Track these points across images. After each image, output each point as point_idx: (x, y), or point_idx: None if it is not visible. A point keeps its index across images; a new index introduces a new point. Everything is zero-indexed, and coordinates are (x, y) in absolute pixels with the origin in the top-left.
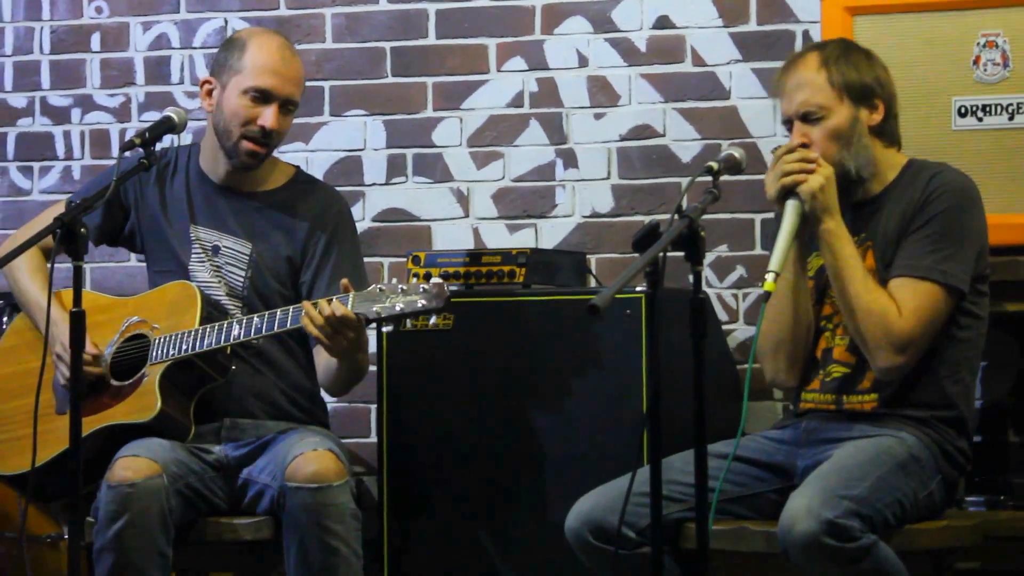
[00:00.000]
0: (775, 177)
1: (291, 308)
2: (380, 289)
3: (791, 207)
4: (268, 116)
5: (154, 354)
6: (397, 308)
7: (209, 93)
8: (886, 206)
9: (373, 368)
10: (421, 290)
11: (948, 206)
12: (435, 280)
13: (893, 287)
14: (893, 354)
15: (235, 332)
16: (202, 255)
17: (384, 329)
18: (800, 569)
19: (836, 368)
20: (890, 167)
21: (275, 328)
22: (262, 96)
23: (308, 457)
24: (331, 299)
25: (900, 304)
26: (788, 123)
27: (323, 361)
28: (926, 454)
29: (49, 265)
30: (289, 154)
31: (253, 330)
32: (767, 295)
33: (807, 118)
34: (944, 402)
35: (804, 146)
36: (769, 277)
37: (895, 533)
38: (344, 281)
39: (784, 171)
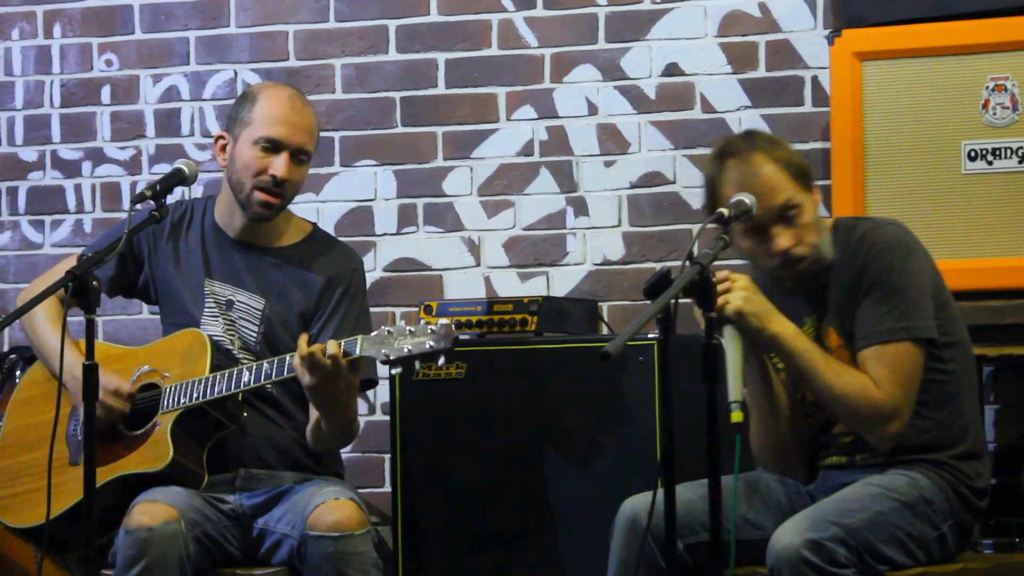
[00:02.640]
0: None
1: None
2: (388, 332)
3: (728, 334)
4: (279, 165)
5: (165, 403)
6: (405, 350)
7: (223, 148)
8: (830, 277)
9: (385, 417)
10: (429, 331)
11: (887, 263)
12: (442, 322)
13: (863, 359)
14: (885, 426)
15: (245, 379)
16: (215, 309)
17: (393, 371)
18: None
19: (844, 437)
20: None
21: (284, 373)
22: (272, 146)
23: (330, 506)
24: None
25: (874, 376)
26: (751, 224)
27: (312, 418)
28: (939, 497)
29: (65, 316)
30: (301, 205)
31: (263, 375)
32: (738, 426)
33: (785, 218)
34: (953, 439)
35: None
36: (733, 408)
37: (906, 574)
38: (332, 343)
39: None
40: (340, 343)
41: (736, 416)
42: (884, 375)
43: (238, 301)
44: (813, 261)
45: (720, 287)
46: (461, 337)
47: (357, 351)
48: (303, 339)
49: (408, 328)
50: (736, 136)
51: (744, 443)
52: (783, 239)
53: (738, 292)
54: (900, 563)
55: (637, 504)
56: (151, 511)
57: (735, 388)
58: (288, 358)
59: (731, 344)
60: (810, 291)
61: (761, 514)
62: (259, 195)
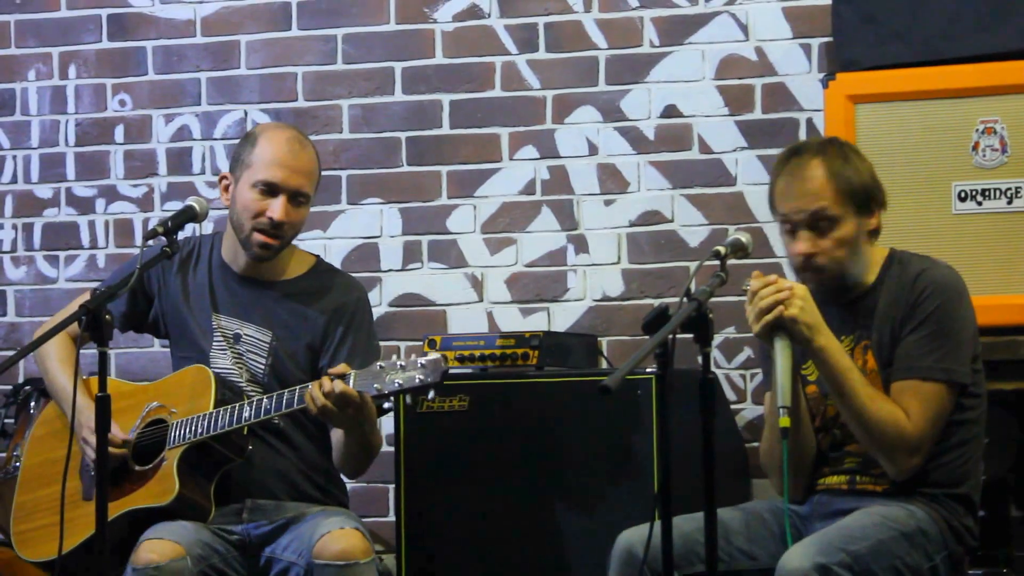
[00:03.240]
0: (756, 316)
1: (297, 388)
2: (380, 367)
3: (779, 344)
4: (276, 208)
5: (172, 438)
6: (396, 384)
7: (227, 188)
8: (878, 304)
9: (390, 448)
10: (419, 365)
11: (939, 303)
12: (431, 356)
13: (897, 391)
14: (907, 458)
15: (246, 414)
16: (223, 343)
17: (386, 406)
18: None
19: (851, 459)
20: (875, 261)
21: (283, 408)
22: (269, 189)
23: (335, 535)
24: (333, 377)
25: (907, 408)
26: (788, 223)
27: (336, 439)
28: (934, 529)
29: (77, 351)
30: (308, 241)
31: (263, 411)
32: (785, 431)
33: (816, 226)
34: (953, 480)
35: (813, 255)
36: (782, 413)
37: None
38: (342, 366)
39: (762, 308)
40: (333, 379)
41: (784, 421)
42: (917, 410)
43: (245, 335)
44: (836, 276)
45: (779, 295)
46: (464, 371)
47: (351, 385)
48: (316, 388)
49: (399, 363)
50: (816, 139)
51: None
52: (803, 244)
53: (796, 300)
54: None
55: (633, 536)
56: (158, 548)
57: (785, 394)
58: (286, 393)
59: (781, 351)
60: (853, 312)
61: (757, 544)
62: (258, 236)
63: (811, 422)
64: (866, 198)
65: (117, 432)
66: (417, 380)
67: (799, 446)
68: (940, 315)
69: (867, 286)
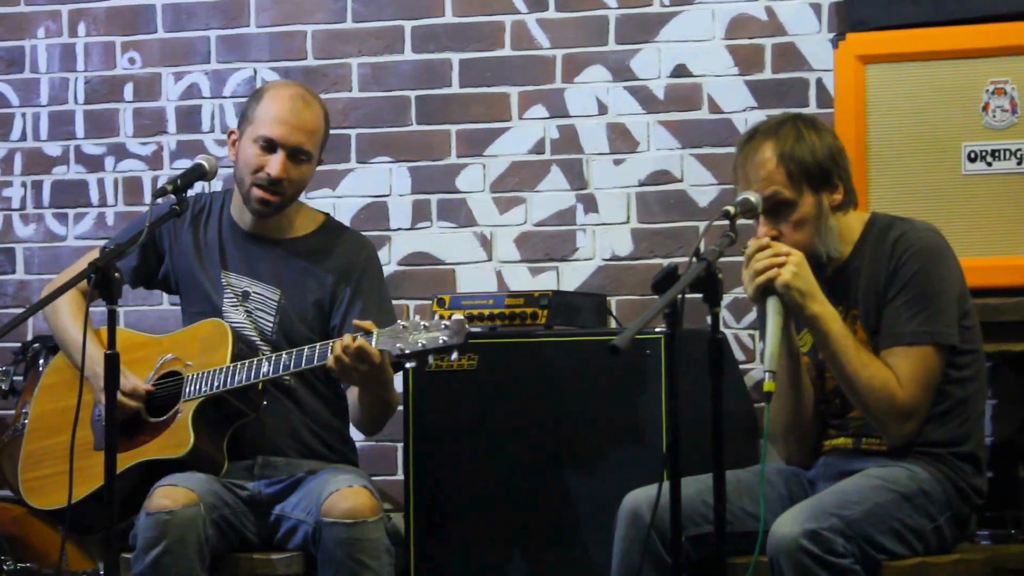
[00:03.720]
0: (750, 277)
1: (318, 345)
2: (403, 326)
3: (772, 305)
4: (274, 164)
5: (187, 391)
6: (419, 344)
7: (233, 144)
8: (860, 273)
9: (400, 408)
10: (443, 327)
11: (919, 266)
12: (456, 317)
13: (886, 357)
14: (900, 424)
15: (264, 369)
16: (235, 299)
17: (408, 365)
18: None
19: (856, 421)
20: (853, 229)
21: (303, 364)
22: (269, 145)
23: (344, 494)
24: (355, 336)
25: (897, 374)
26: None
27: (352, 398)
28: (938, 489)
29: (87, 305)
30: (317, 200)
31: (282, 367)
32: (769, 395)
33: (774, 211)
34: (957, 439)
35: (775, 238)
36: (767, 377)
37: (904, 564)
38: (368, 322)
39: (756, 270)
40: (355, 336)
41: (768, 385)
42: (907, 375)
43: (254, 292)
44: (806, 256)
45: (775, 259)
46: (473, 329)
47: (373, 344)
48: (338, 344)
49: (423, 323)
50: (775, 119)
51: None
52: (763, 228)
53: (791, 266)
54: (898, 553)
55: (639, 497)
56: (171, 495)
57: (772, 358)
58: (306, 350)
59: (773, 315)
60: (836, 284)
61: (758, 504)
62: (256, 192)
63: (812, 389)
64: (823, 174)
65: (137, 383)
66: (441, 341)
67: (800, 410)
68: (921, 278)
69: (846, 257)
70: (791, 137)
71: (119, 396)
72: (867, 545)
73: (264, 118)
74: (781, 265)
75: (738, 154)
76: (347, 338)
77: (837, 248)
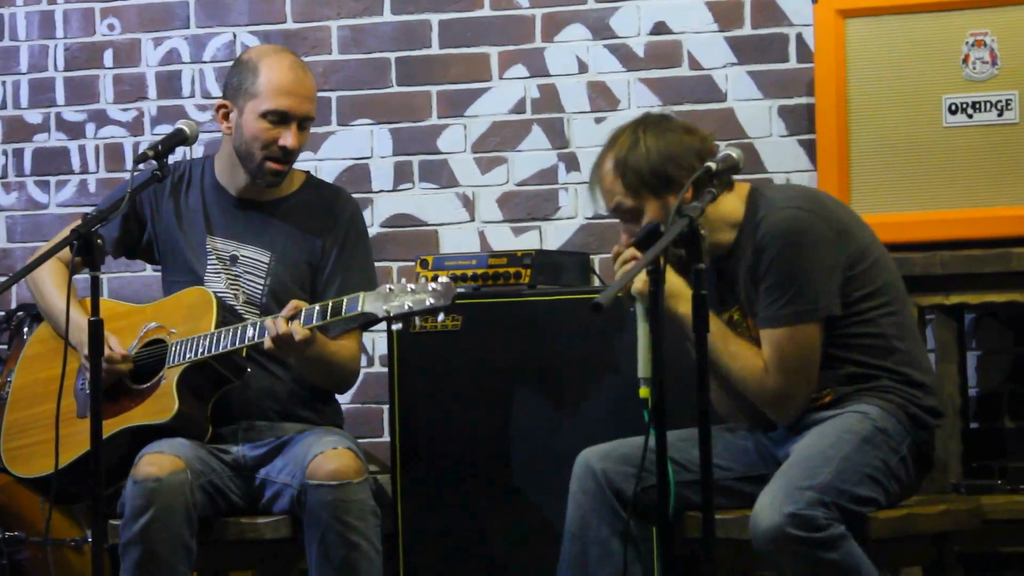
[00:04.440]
0: (614, 291)
1: (308, 306)
2: (389, 289)
3: (639, 312)
4: (289, 137)
5: (171, 358)
6: (406, 307)
7: (226, 116)
8: (739, 263)
9: (383, 369)
10: (430, 289)
11: (777, 252)
12: (443, 279)
13: (762, 341)
14: (778, 408)
15: (249, 334)
16: (218, 265)
17: (394, 327)
18: (773, 563)
19: None
20: (734, 211)
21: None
22: (280, 118)
23: (328, 455)
24: (279, 319)
25: (765, 359)
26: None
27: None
28: (891, 422)
29: (70, 274)
30: (299, 164)
31: (266, 332)
32: (645, 402)
33: (626, 219)
34: (898, 371)
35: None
36: (642, 384)
37: (890, 512)
38: (294, 302)
39: (616, 280)
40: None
41: (643, 392)
42: (773, 358)
43: (243, 256)
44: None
45: (625, 267)
46: (457, 290)
47: (359, 308)
48: (269, 323)
49: (409, 285)
50: (622, 126)
51: (659, 418)
52: (622, 236)
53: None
54: (876, 499)
55: (592, 452)
56: (158, 462)
57: (643, 364)
58: (250, 327)
59: (640, 323)
60: (727, 271)
61: (724, 457)
62: (270, 165)
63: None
64: (661, 179)
65: (117, 347)
66: (428, 303)
67: (736, 389)
68: (779, 263)
69: (728, 245)
70: (626, 145)
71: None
72: (847, 502)
73: (268, 91)
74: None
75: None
76: (279, 323)
77: (717, 236)
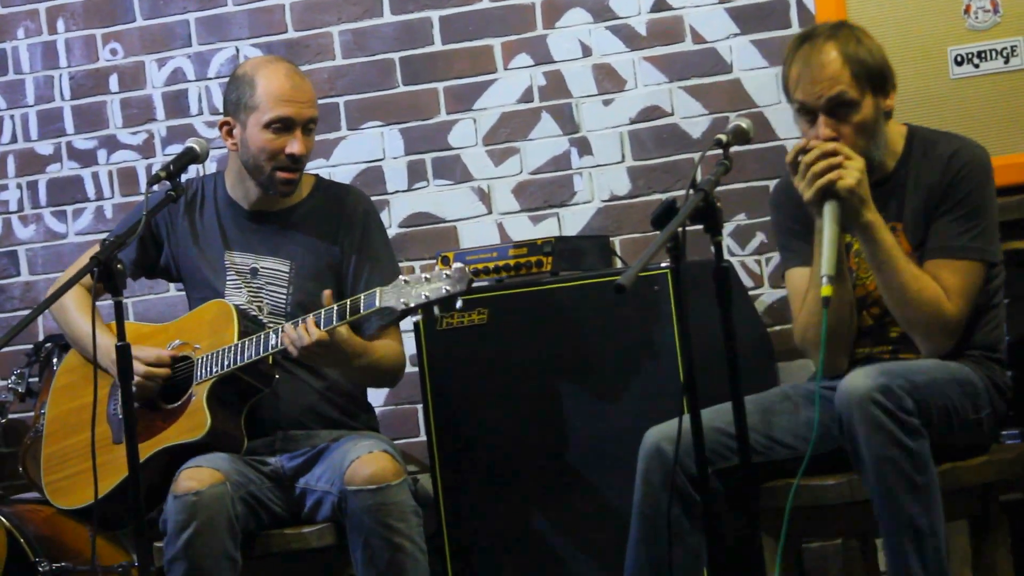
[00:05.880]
0: (809, 181)
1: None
2: (405, 281)
3: (829, 210)
4: (295, 144)
5: (199, 373)
6: (423, 296)
7: (229, 133)
8: (906, 185)
9: (414, 369)
10: (444, 276)
11: (974, 185)
12: (457, 265)
13: (932, 269)
14: (946, 339)
15: (272, 341)
16: (238, 280)
17: (414, 319)
18: (856, 436)
19: (895, 330)
20: (896, 140)
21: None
22: (284, 126)
23: (365, 460)
24: (298, 323)
25: (945, 286)
26: (806, 111)
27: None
28: (982, 385)
29: (93, 300)
30: (312, 171)
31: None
32: (827, 300)
33: (836, 112)
34: (990, 344)
35: (832, 139)
36: (824, 282)
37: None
38: (327, 292)
39: (815, 172)
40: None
41: (826, 290)
42: (955, 289)
43: (263, 268)
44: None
45: (834, 159)
46: (480, 283)
47: (377, 303)
48: (289, 330)
49: (423, 276)
50: (828, 23)
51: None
52: (825, 129)
53: (854, 170)
54: (939, 431)
55: (661, 431)
56: (197, 476)
57: (829, 262)
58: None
59: (830, 219)
60: (880, 195)
61: (785, 432)
62: (281, 175)
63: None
64: (882, 79)
65: (160, 352)
66: (444, 291)
67: (841, 320)
68: (976, 196)
69: (890, 168)
70: (852, 40)
71: (145, 371)
72: (926, 413)
73: (268, 101)
74: (841, 167)
75: (792, 57)
76: (297, 330)
77: (886, 157)
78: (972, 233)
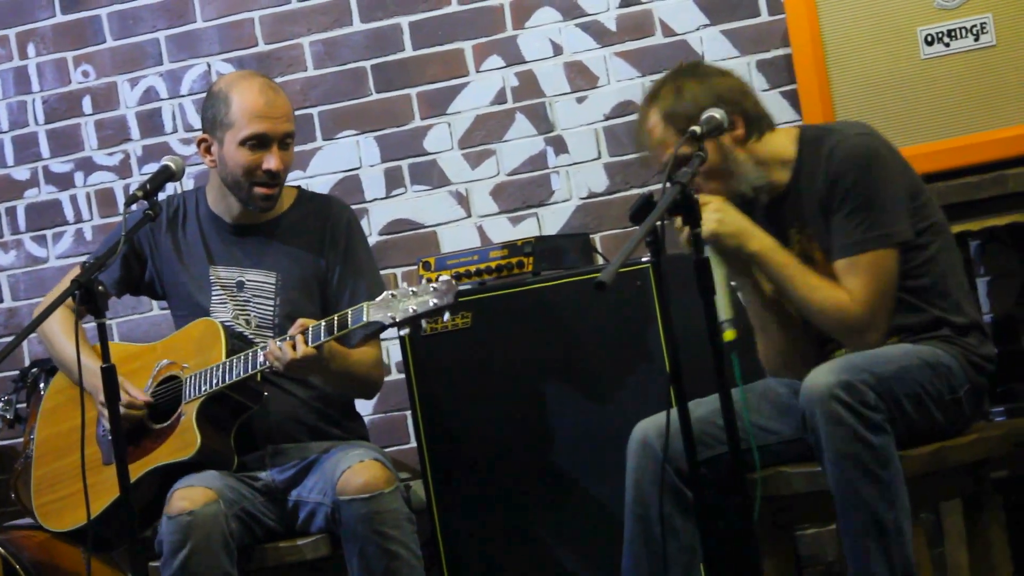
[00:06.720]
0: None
1: (315, 324)
2: (392, 295)
3: (711, 257)
4: (272, 160)
5: (187, 392)
6: (411, 310)
7: (207, 150)
8: (801, 194)
9: (401, 376)
10: (431, 289)
11: (855, 177)
12: (444, 278)
13: (838, 271)
14: (861, 337)
15: (260, 359)
16: (223, 295)
17: (401, 332)
18: (819, 432)
19: None
20: (786, 149)
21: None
22: (259, 142)
23: (356, 469)
24: (292, 338)
25: (849, 287)
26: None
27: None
28: (955, 364)
29: (76, 325)
30: (289, 183)
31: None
32: (732, 344)
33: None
34: (949, 316)
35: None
36: (725, 327)
37: (921, 448)
38: (301, 321)
39: (677, 229)
40: (285, 341)
41: (728, 335)
42: (858, 285)
43: (249, 280)
44: (733, 198)
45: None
46: (462, 288)
47: (364, 318)
48: (272, 347)
49: (411, 289)
50: (652, 84)
51: (742, 358)
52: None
53: (710, 215)
54: (913, 419)
55: (648, 426)
56: (190, 495)
57: (724, 307)
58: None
59: (715, 264)
60: (785, 207)
61: (773, 419)
62: (259, 191)
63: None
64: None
65: (136, 393)
66: (432, 304)
67: (793, 338)
68: (858, 188)
69: (786, 180)
70: (670, 95)
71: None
72: (893, 405)
73: (243, 118)
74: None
75: (636, 129)
76: (281, 347)
77: (763, 176)
78: (865, 224)
